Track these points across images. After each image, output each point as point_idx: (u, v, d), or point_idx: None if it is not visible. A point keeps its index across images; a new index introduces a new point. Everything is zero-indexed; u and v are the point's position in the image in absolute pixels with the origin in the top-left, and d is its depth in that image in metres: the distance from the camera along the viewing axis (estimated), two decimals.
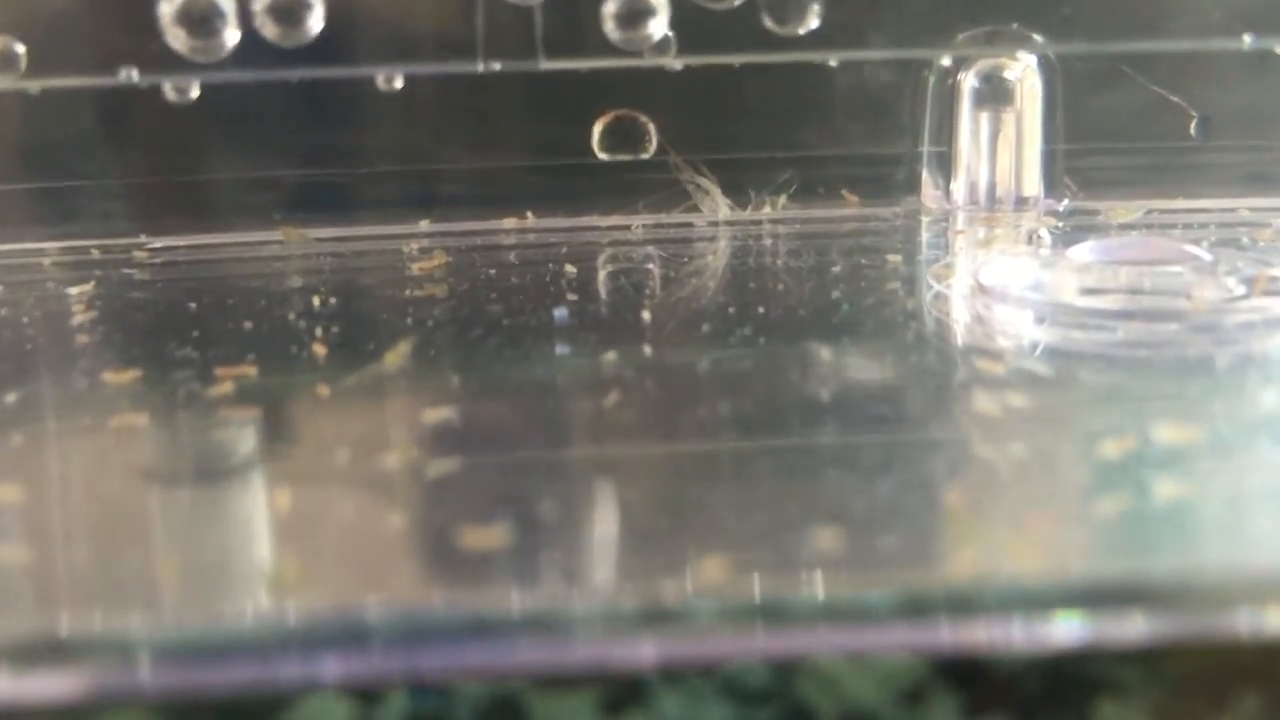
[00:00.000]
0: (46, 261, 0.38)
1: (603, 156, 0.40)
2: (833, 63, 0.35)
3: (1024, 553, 0.19)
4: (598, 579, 0.19)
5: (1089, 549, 0.20)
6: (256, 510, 0.21)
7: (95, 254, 0.38)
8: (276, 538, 0.21)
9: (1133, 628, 0.18)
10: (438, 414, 0.24)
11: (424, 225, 0.40)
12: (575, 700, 0.18)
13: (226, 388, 0.26)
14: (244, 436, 0.24)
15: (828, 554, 0.19)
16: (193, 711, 0.17)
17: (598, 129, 0.40)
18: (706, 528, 0.20)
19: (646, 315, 0.30)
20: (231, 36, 0.31)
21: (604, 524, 0.21)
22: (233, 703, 0.17)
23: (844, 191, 0.42)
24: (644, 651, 0.18)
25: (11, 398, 0.26)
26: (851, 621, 0.18)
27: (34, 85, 0.32)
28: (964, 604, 0.18)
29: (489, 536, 0.20)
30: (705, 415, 0.24)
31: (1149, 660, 0.18)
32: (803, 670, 0.17)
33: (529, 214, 0.40)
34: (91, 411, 0.25)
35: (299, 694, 0.17)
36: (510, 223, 0.40)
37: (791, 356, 0.27)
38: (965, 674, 0.18)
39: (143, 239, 0.39)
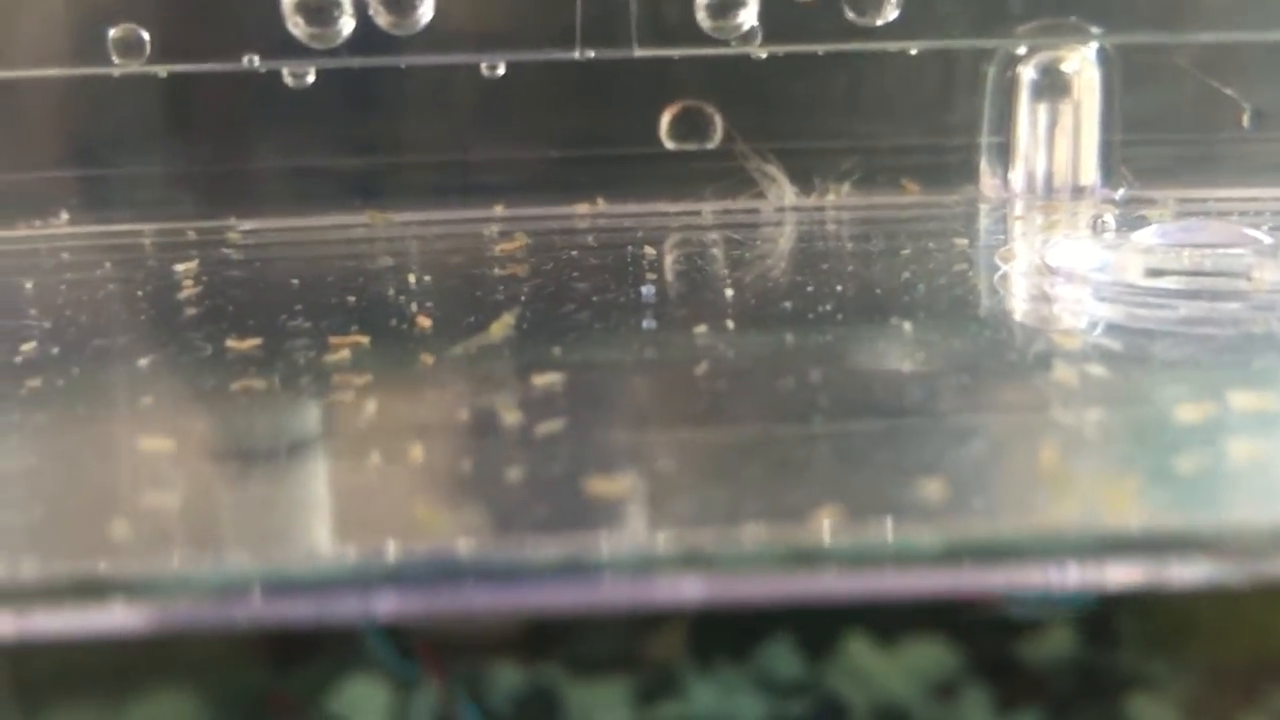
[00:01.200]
0: (146, 242, 0.40)
1: (670, 145, 0.42)
2: (913, 51, 0.36)
3: (1108, 506, 0.20)
4: (699, 527, 0.20)
5: (1168, 502, 0.21)
6: (387, 463, 0.23)
7: (191, 235, 0.40)
8: (402, 487, 0.22)
9: (1196, 572, 0.19)
10: (545, 379, 0.26)
11: (499, 210, 0.42)
12: (609, 690, 0.19)
13: (343, 354, 0.28)
14: (369, 398, 0.25)
15: (911, 504, 0.20)
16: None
17: (665, 119, 0.41)
18: (803, 482, 0.22)
19: (729, 292, 0.32)
20: (347, 25, 0.33)
21: (707, 477, 0.22)
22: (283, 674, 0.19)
23: (904, 180, 0.43)
24: (688, 590, 0.19)
25: (144, 362, 0.28)
26: (922, 565, 0.19)
27: (161, 69, 0.34)
28: (1028, 550, 0.19)
29: (605, 485, 0.21)
30: (796, 384, 0.26)
31: (1179, 653, 0.19)
32: (834, 662, 0.18)
33: (600, 200, 0.42)
34: (220, 374, 0.27)
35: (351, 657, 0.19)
36: (583, 208, 0.42)
37: (872, 331, 0.28)
38: (997, 668, 0.19)
39: (233, 221, 0.41)
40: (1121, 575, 0.19)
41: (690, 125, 0.41)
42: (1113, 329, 0.29)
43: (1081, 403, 0.24)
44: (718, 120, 0.41)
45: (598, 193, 0.42)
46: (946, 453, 0.22)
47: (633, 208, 0.42)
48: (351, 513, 0.21)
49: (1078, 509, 0.20)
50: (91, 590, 0.19)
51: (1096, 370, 0.26)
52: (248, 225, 0.40)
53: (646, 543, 0.19)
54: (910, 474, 0.21)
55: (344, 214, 0.41)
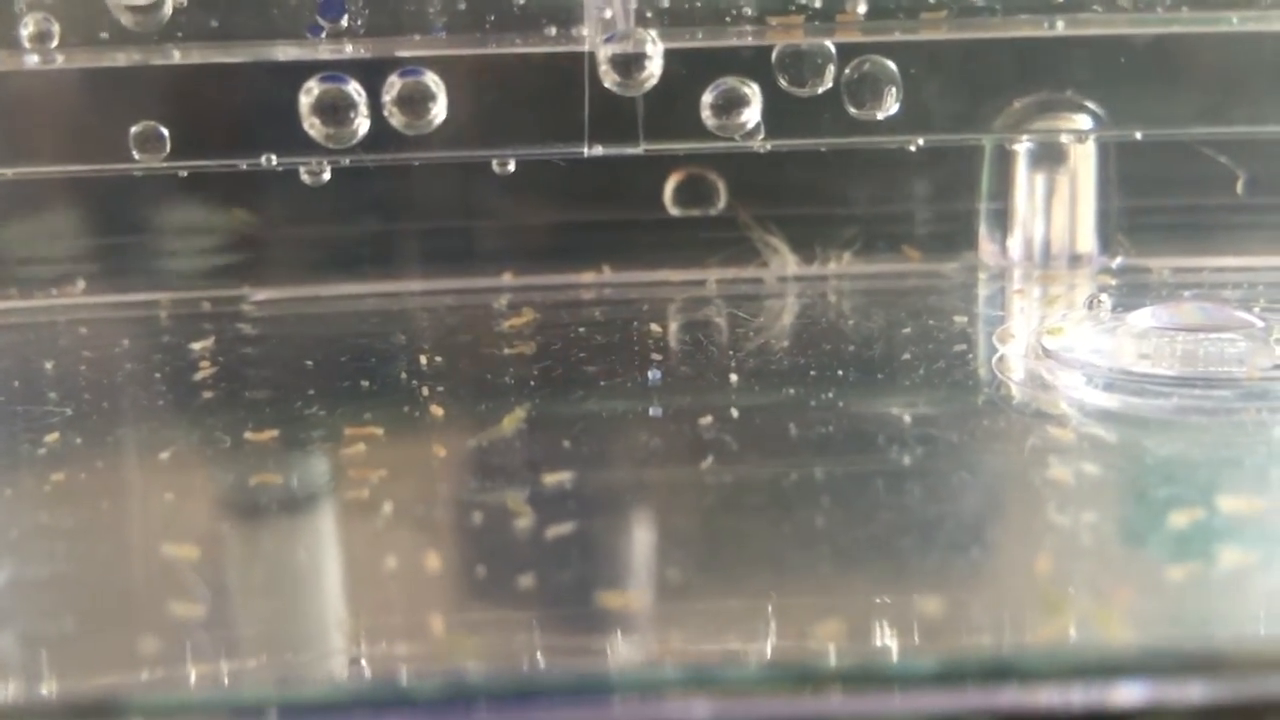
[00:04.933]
0: (162, 314, 0.40)
1: (674, 212, 0.42)
2: (912, 148, 0.37)
3: (1094, 619, 0.21)
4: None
5: (1157, 616, 0.22)
6: (401, 569, 0.24)
7: (206, 306, 0.41)
8: (417, 597, 0.23)
9: (1191, 693, 0.19)
10: (555, 477, 0.27)
11: (507, 279, 0.43)
12: None
13: (359, 448, 0.28)
14: (386, 498, 0.26)
15: (911, 621, 0.21)
16: None
17: (670, 186, 0.42)
18: (805, 593, 0.23)
19: (734, 378, 0.32)
20: (362, 126, 0.34)
21: (710, 588, 0.23)
22: None
23: (905, 247, 0.44)
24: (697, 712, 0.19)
25: (165, 455, 0.29)
26: (911, 687, 0.20)
27: (181, 166, 0.34)
28: (1014, 671, 0.20)
29: (616, 598, 0.22)
30: (799, 480, 0.26)
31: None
32: None
33: (605, 268, 0.43)
34: (239, 468, 0.28)
35: None
36: (589, 276, 0.43)
37: (874, 423, 0.29)
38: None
39: (245, 291, 0.41)
40: (1122, 697, 0.19)
41: (694, 192, 0.42)
42: (1107, 418, 0.30)
43: (1076, 506, 0.25)
44: (721, 187, 0.42)
45: (603, 260, 0.43)
46: (946, 563, 0.23)
47: (638, 276, 0.43)
48: (367, 626, 0.22)
49: (1075, 626, 0.21)
50: (107, 713, 0.20)
51: (1091, 468, 0.27)
52: (261, 295, 0.41)
53: (653, 664, 0.20)
54: (910, 587, 0.22)
55: (354, 282, 0.42)
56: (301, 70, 0.35)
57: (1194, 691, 0.20)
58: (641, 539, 0.25)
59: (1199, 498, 0.25)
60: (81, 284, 0.41)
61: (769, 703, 0.20)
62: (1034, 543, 0.24)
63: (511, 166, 0.36)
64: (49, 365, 0.35)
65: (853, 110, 0.35)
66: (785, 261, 0.42)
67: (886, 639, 0.21)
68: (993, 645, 0.21)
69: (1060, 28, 0.36)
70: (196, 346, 0.36)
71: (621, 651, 0.21)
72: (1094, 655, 0.20)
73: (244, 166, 0.34)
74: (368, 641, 0.22)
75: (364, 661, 0.21)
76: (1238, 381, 0.31)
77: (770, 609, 0.22)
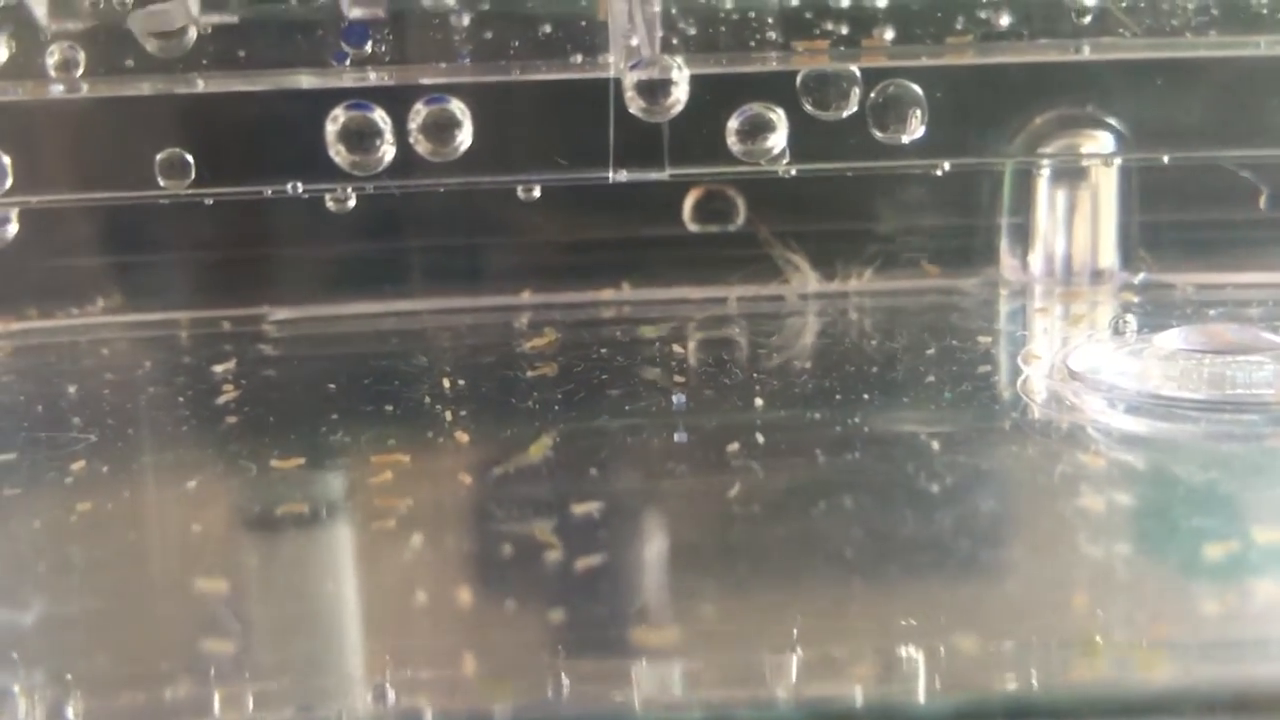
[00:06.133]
0: (182, 334, 0.40)
1: (694, 229, 0.42)
2: (938, 173, 0.37)
3: (1129, 657, 0.21)
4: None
5: (1191, 652, 0.22)
6: (430, 603, 0.24)
7: (226, 326, 0.41)
8: (444, 632, 0.23)
9: None
10: (583, 508, 0.26)
11: (526, 297, 0.43)
12: None
13: (386, 476, 0.28)
14: (414, 528, 0.26)
15: (942, 658, 0.21)
16: None
17: (689, 202, 0.42)
18: (832, 630, 0.22)
19: (759, 401, 0.32)
20: (388, 153, 0.34)
21: (737, 623, 0.23)
22: None
23: (925, 262, 0.44)
24: None
25: (192, 484, 0.29)
26: None
27: (206, 194, 0.35)
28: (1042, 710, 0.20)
29: (642, 634, 0.22)
30: (827, 509, 0.26)
31: None
32: None
33: (625, 285, 0.43)
34: (266, 497, 0.28)
35: None
36: (608, 294, 0.43)
37: (902, 448, 0.29)
38: None
39: (265, 309, 0.41)
40: None
41: (713, 208, 0.42)
42: (1136, 444, 0.30)
43: (1109, 537, 0.25)
44: (740, 203, 0.42)
45: (623, 277, 0.43)
46: (977, 599, 0.23)
47: (658, 293, 0.43)
48: (394, 661, 0.22)
49: (1109, 664, 0.21)
50: None
51: (1121, 497, 0.26)
52: (281, 314, 0.41)
53: (679, 702, 0.20)
54: (940, 622, 0.22)
55: (373, 301, 0.42)
56: (327, 97, 0.35)
57: None
58: (670, 572, 0.25)
59: (1233, 529, 0.25)
60: (101, 303, 0.42)
61: None
62: (1065, 576, 0.24)
63: (537, 192, 0.36)
64: (72, 389, 0.35)
65: (878, 134, 0.35)
66: (806, 278, 0.42)
67: (915, 677, 0.21)
68: (1022, 683, 0.20)
69: (1086, 52, 0.36)
70: (218, 369, 0.36)
71: (646, 688, 0.21)
72: (1124, 692, 0.20)
73: (269, 193, 0.34)
74: (394, 672, 0.22)
75: (389, 692, 0.21)
76: (1267, 405, 0.31)
77: (798, 645, 0.22)
